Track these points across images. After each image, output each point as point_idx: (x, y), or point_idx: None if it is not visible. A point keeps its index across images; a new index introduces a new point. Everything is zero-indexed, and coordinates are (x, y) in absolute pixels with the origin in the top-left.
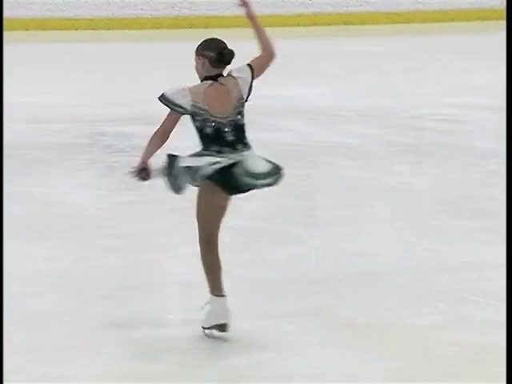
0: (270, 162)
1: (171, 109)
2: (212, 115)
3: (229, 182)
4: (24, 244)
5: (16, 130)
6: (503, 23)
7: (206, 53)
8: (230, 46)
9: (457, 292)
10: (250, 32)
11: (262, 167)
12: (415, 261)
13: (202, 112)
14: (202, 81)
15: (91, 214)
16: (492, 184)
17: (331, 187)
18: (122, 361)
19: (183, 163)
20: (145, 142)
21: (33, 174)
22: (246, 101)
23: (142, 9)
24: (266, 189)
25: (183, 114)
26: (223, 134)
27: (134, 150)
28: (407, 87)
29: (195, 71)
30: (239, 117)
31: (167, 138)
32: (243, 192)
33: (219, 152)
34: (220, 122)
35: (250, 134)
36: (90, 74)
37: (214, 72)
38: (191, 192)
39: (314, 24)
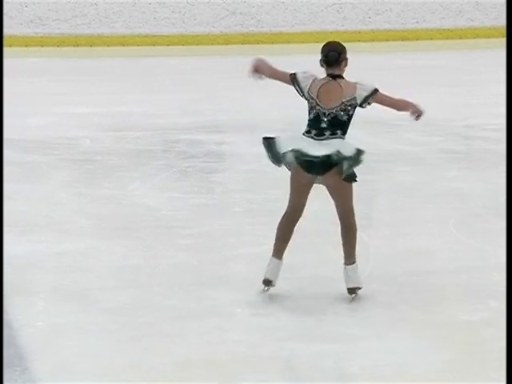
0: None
1: (293, 84)
2: (318, 105)
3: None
4: (104, 242)
5: (97, 138)
6: None
7: (321, 55)
8: (291, 60)
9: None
10: (311, 47)
11: (323, 151)
12: (467, 260)
13: (311, 100)
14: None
15: (165, 214)
16: None
17: (389, 191)
18: (193, 350)
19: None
20: (215, 149)
21: (112, 178)
22: (361, 106)
23: (213, 26)
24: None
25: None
26: (320, 120)
27: (206, 156)
28: (459, 98)
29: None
30: (342, 113)
31: (280, 78)
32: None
33: (308, 134)
34: (320, 111)
35: None
36: (164, 86)
37: (328, 71)
38: (256, 195)
39: (373, 40)
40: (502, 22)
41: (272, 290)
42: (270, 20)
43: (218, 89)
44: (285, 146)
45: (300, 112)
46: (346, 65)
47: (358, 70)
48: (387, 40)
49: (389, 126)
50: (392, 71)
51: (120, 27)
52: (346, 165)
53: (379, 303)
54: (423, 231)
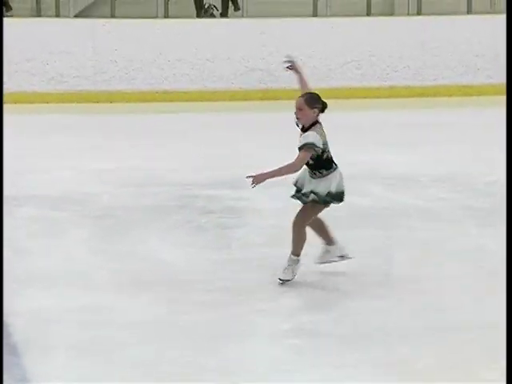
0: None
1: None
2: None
3: None
4: (122, 297)
5: (116, 193)
6: None
7: (318, 105)
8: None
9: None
10: (330, 103)
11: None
12: (486, 317)
13: (325, 146)
14: (309, 125)
15: (183, 270)
16: None
17: (408, 247)
18: None
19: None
20: (233, 204)
21: (130, 233)
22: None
23: (232, 82)
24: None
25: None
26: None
27: (224, 212)
28: (479, 155)
29: (302, 118)
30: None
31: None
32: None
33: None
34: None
35: None
36: (183, 142)
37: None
38: (274, 250)
39: (392, 96)
40: None
41: (290, 344)
42: (288, 76)
43: (237, 144)
44: None
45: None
46: None
47: (376, 127)
48: (406, 97)
49: (407, 182)
50: (411, 128)
51: (140, 83)
52: None
53: (399, 358)
54: (443, 287)
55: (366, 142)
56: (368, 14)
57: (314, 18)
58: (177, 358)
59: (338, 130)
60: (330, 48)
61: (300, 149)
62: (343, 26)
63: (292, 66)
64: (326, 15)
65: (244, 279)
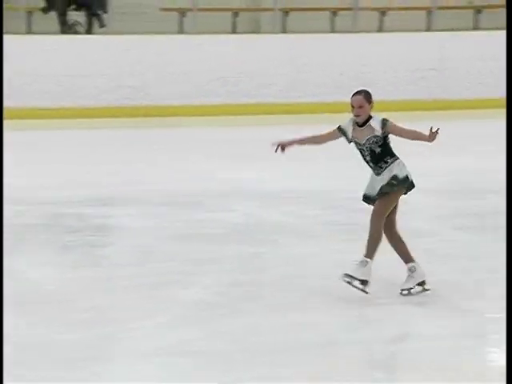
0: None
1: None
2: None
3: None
4: None
5: None
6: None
7: (371, 99)
8: (179, 133)
9: (393, 361)
10: (199, 120)
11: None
12: (357, 332)
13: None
14: (366, 120)
15: (50, 290)
16: (426, 261)
17: (278, 264)
18: None
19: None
20: (102, 222)
21: None
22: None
23: (99, 99)
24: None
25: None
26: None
27: (92, 230)
28: (345, 171)
29: (362, 115)
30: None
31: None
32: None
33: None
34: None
35: (200, 215)
36: (50, 159)
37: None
38: (144, 269)
39: (258, 113)
40: (393, 97)
41: (163, 362)
42: (157, 94)
43: (104, 162)
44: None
45: (186, 184)
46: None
47: (243, 143)
48: (273, 113)
49: (274, 198)
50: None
51: (4, 100)
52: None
53: (273, 376)
54: (314, 302)
55: (232, 159)
56: (234, 31)
57: (181, 35)
58: (50, 379)
59: (205, 147)
60: (197, 65)
61: (385, 127)
62: (209, 43)
63: (284, 147)
64: (191, 32)
65: (114, 298)
